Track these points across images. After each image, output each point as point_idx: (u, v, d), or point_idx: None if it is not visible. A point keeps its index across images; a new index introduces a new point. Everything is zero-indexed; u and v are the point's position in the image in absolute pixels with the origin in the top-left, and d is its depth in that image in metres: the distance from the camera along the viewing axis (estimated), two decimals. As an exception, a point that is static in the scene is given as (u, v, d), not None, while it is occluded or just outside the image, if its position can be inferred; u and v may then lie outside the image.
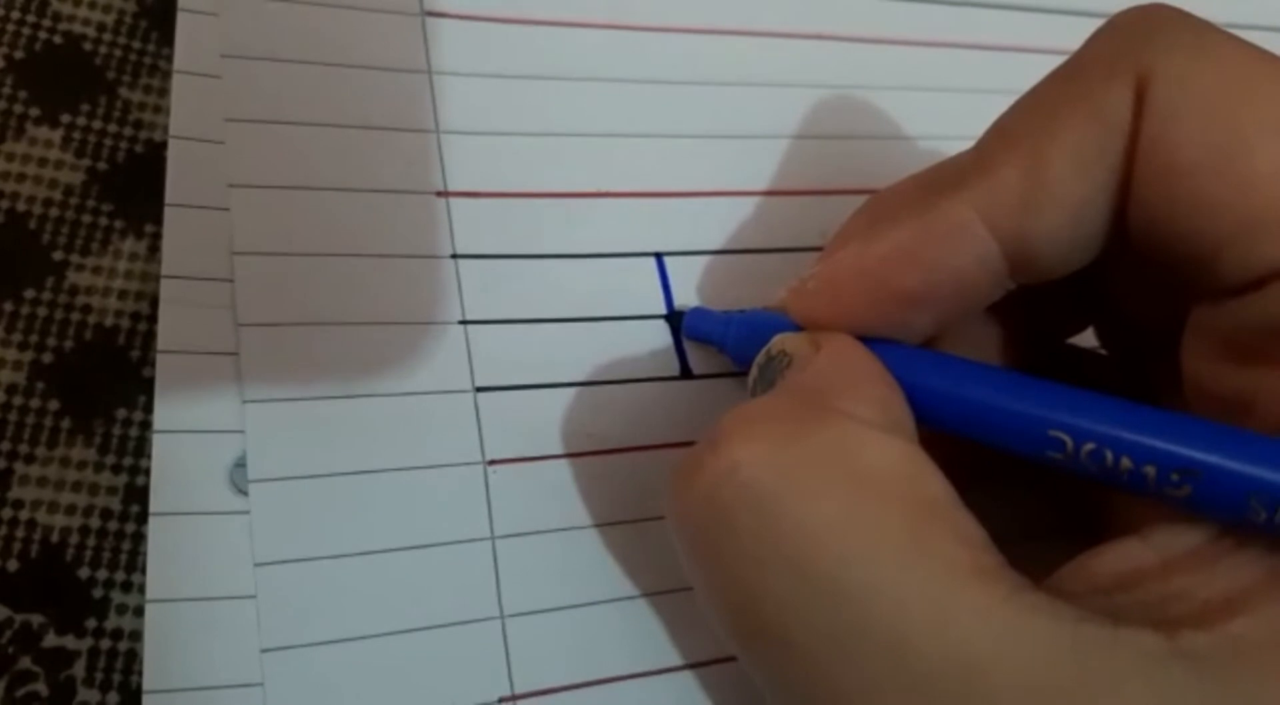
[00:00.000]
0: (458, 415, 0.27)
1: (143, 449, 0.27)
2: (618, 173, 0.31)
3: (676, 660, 0.27)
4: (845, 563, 0.19)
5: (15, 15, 0.30)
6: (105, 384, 0.27)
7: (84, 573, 0.26)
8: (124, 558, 0.26)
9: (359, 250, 0.28)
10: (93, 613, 0.26)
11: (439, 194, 0.29)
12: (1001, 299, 0.24)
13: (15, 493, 0.26)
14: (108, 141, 0.29)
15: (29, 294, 0.28)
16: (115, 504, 0.27)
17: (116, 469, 0.27)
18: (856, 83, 0.34)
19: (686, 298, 0.30)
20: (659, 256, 0.30)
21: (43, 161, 0.29)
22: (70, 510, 0.26)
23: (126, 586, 0.26)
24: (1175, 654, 0.18)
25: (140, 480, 0.27)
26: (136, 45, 0.31)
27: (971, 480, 0.22)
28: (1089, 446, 0.20)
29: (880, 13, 0.36)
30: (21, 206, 0.28)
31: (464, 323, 0.28)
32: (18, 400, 0.27)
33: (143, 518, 0.26)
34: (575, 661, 0.26)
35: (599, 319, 0.29)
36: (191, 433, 0.26)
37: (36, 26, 0.30)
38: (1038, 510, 0.26)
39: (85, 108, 0.30)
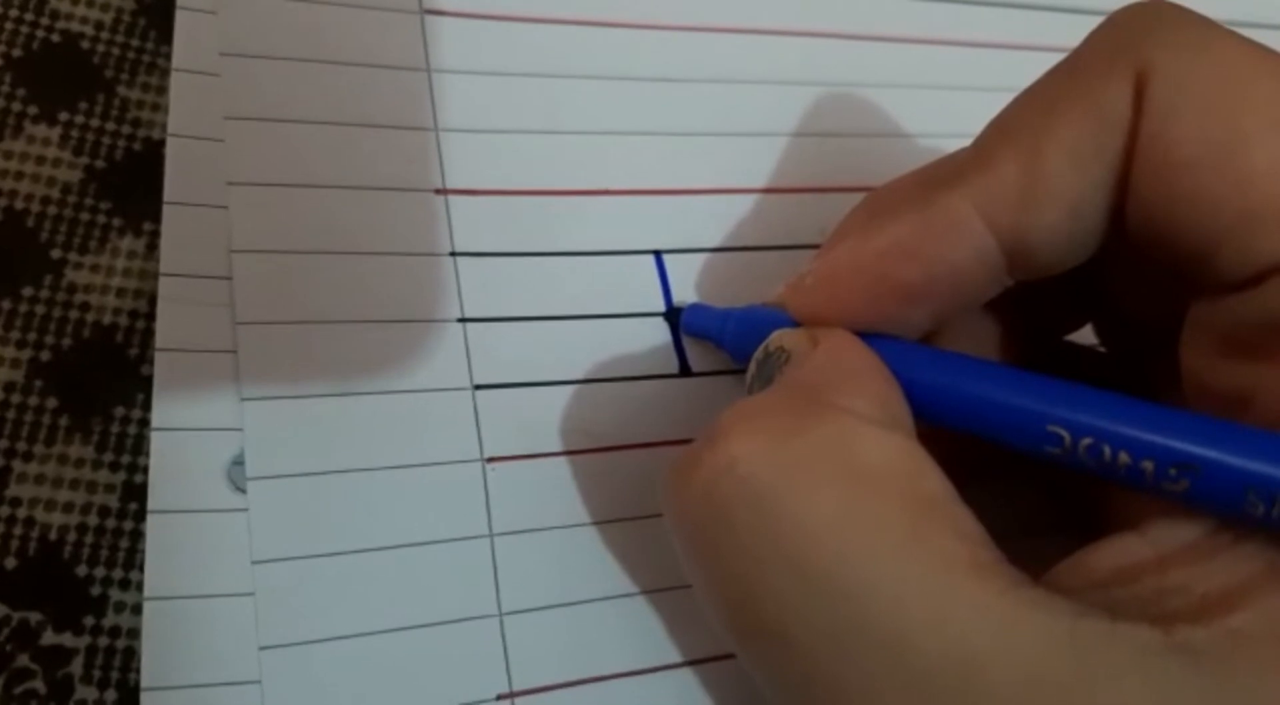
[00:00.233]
0: (456, 413, 0.27)
1: (141, 447, 0.27)
2: (616, 170, 0.31)
3: (675, 658, 0.27)
4: (843, 559, 0.19)
5: (14, 13, 0.30)
6: (103, 382, 0.27)
7: (82, 570, 0.26)
8: (122, 555, 0.26)
9: (357, 248, 0.28)
10: (91, 610, 0.26)
11: (438, 192, 0.29)
12: (1000, 295, 0.24)
13: (13, 490, 0.26)
14: (106, 139, 0.29)
15: (27, 292, 0.28)
16: (113, 502, 0.27)
17: (115, 467, 0.27)
18: (855, 80, 0.34)
19: (685, 295, 0.30)
20: (658, 254, 0.30)
21: (41, 160, 0.29)
22: (68, 508, 0.26)
23: (124, 584, 0.26)
24: (1173, 648, 0.18)
25: (138, 478, 0.27)
26: (135, 43, 0.31)
27: (970, 476, 0.22)
28: (1087, 441, 0.20)
29: (879, 10, 0.36)
30: (20, 204, 0.28)
31: (462, 320, 0.28)
32: (16, 398, 0.27)
33: (141, 515, 0.26)
34: (573, 659, 0.26)
35: (598, 317, 0.29)
36: (190, 430, 0.26)
37: (35, 25, 0.30)
38: (1036, 506, 0.26)
39: (83, 106, 0.30)
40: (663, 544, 0.26)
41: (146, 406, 0.27)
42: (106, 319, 0.28)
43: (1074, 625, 0.18)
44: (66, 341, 0.27)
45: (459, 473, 0.27)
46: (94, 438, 0.27)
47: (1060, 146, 0.21)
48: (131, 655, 0.26)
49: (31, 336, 0.27)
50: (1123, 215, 0.21)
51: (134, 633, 0.26)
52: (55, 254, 0.28)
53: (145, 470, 0.26)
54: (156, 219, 0.27)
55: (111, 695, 0.25)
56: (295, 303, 0.27)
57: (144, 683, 0.24)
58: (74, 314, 0.28)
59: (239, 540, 0.25)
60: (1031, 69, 0.23)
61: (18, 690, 0.25)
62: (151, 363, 0.26)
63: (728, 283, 0.30)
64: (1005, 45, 0.37)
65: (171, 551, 0.25)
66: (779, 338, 0.24)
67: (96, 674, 0.25)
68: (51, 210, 0.28)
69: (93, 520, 0.26)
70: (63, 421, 0.27)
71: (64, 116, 0.29)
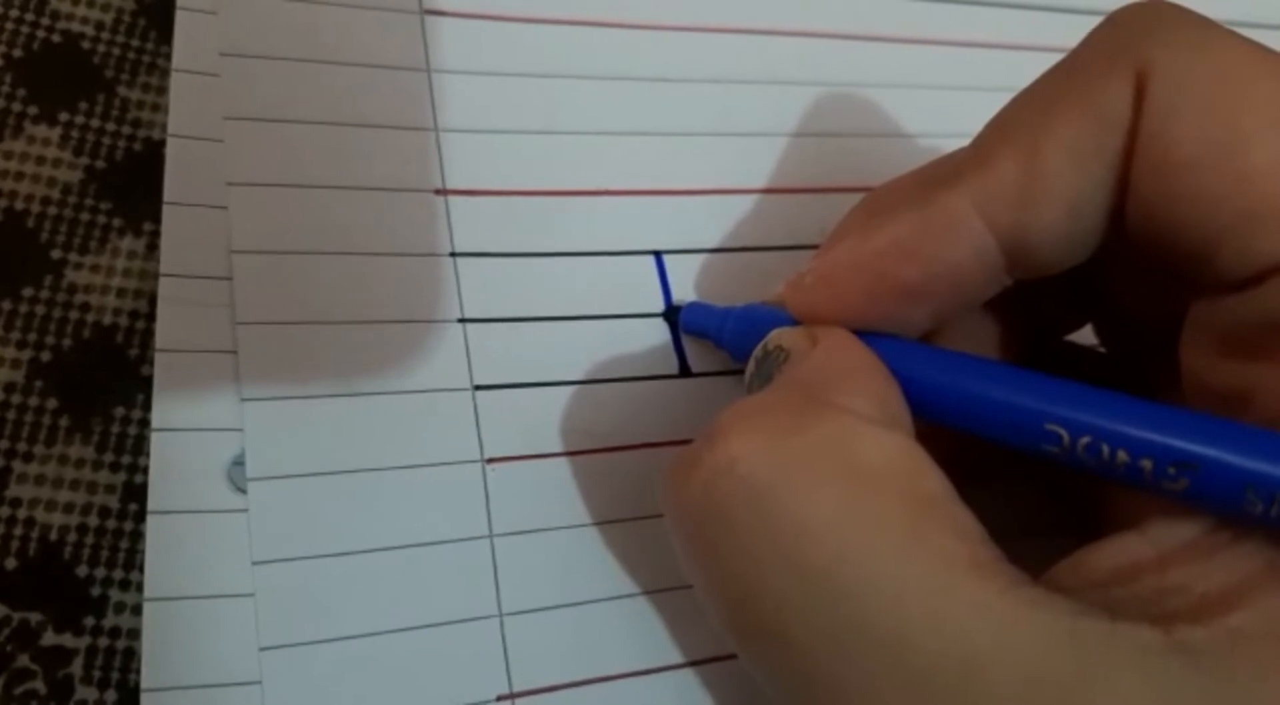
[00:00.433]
0: (456, 413, 0.27)
1: (141, 447, 0.27)
2: (616, 171, 0.31)
3: (675, 658, 0.27)
4: (842, 557, 0.19)
5: (14, 14, 0.30)
6: (104, 382, 0.27)
7: (82, 571, 0.26)
8: (122, 556, 0.26)
9: (357, 249, 0.28)
10: (91, 611, 0.26)
11: (438, 192, 0.29)
12: (999, 295, 0.24)
13: (13, 491, 0.26)
14: (106, 140, 0.29)
15: (27, 292, 0.28)
16: (113, 502, 0.27)
17: (115, 467, 0.27)
18: (855, 80, 0.34)
19: (685, 296, 0.30)
20: (658, 254, 0.30)
21: (41, 160, 0.29)
22: (69, 508, 0.26)
23: (125, 584, 0.26)
24: (1172, 648, 0.18)
25: (139, 478, 0.27)
26: (135, 43, 0.31)
27: (969, 475, 0.22)
28: (1085, 440, 0.20)
29: (879, 10, 0.36)
30: (20, 205, 0.28)
31: (463, 321, 0.28)
32: (16, 398, 0.27)
33: (141, 516, 0.26)
34: (573, 659, 0.26)
35: (598, 317, 0.29)
36: (190, 431, 0.26)
37: (35, 25, 0.30)
38: (1036, 505, 0.26)
39: (84, 106, 0.30)
40: (663, 544, 0.26)
41: (147, 407, 0.27)
42: (107, 319, 0.28)
43: (1074, 624, 0.18)
44: (66, 342, 0.27)
45: (459, 473, 0.27)
46: (94, 438, 0.27)
47: (1059, 145, 0.21)
48: (132, 656, 0.26)
49: (32, 337, 0.27)
50: (1122, 215, 0.21)
51: (134, 633, 0.26)
52: (55, 254, 0.28)
53: (145, 471, 0.26)
54: (156, 219, 0.27)
55: (112, 696, 0.25)
56: (295, 303, 0.27)
57: (144, 683, 0.24)
58: (74, 314, 0.28)
59: (239, 541, 0.25)
60: (1030, 69, 0.23)
61: (18, 691, 0.25)
62: (152, 363, 0.26)
63: (728, 283, 0.30)
64: (1004, 45, 0.37)
65: (172, 552, 0.25)
66: (778, 336, 0.24)
67: (97, 674, 0.25)
68: (52, 210, 0.28)
69: (93, 521, 0.26)
70: (63, 422, 0.27)
71: (64, 117, 0.29)
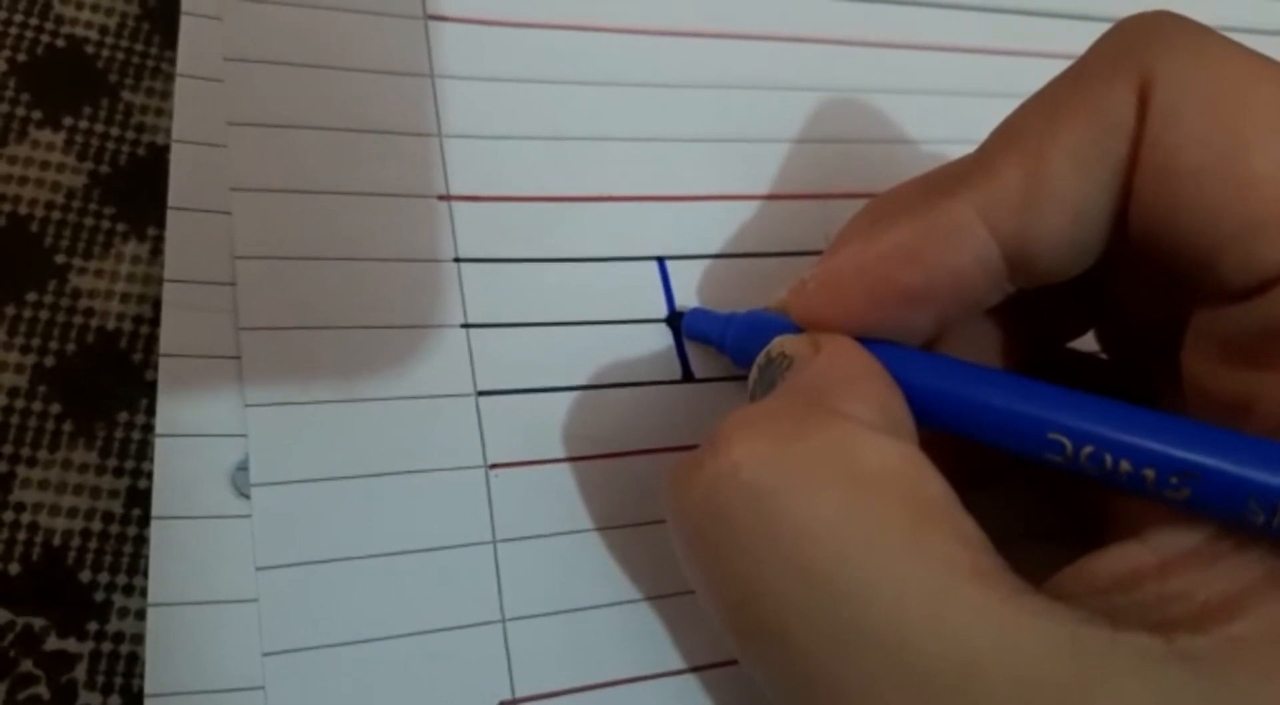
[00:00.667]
0: (459, 419, 0.27)
1: (144, 452, 0.27)
2: (620, 176, 0.31)
3: (677, 664, 0.27)
4: (843, 560, 0.19)
5: (18, 18, 0.30)
6: (107, 387, 0.28)
7: (85, 576, 0.26)
8: (125, 561, 0.26)
9: (361, 254, 0.28)
10: (94, 616, 0.26)
11: (441, 198, 0.29)
12: (1002, 302, 0.24)
13: (17, 496, 0.26)
14: (110, 144, 0.29)
15: (31, 297, 0.28)
16: (117, 507, 0.27)
17: (118, 472, 0.27)
18: (858, 86, 0.34)
19: (688, 301, 0.30)
20: (661, 260, 0.30)
21: (45, 164, 0.29)
22: (72, 513, 0.26)
23: (128, 590, 0.26)
24: (1174, 656, 0.18)
25: (142, 483, 0.27)
26: (139, 48, 0.31)
27: (972, 481, 0.22)
28: (1088, 449, 0.20)
29: (883, 17, 0.36)
30: (23, 209, 0.28)
31: (466, 326, 0.28)
32: (19, 403, 0.27)
33: (144, 521, 0.26)
34: (576, 665, 0.26)
35: (601, 323, 0.29)
36: (193, 436, 0.26)
37: (39, 29, 0.30)
38: (1038, 511, 0.26)
39: (87, 111, 0.30)
40: (666, 550, 0.26)
41: (150, 412, 0.27)
42: (110, 324, 0.28)
43: (1075, 632, 0.18)
44: (70, 347, 0.28)
45: (462, 479, 0.27)
46: (98, 443, 0.27)
47: (1063, 151, 0.21)
48: (135, 661, 0.26)
49: (35, 342, 0.27)
50: (1125, 222, 0.21)
51: (137, 638, 0.26)
52: (59, 259, 0.28)
53: (149, 476, 0.26)
54: (160, 224, 0.28)
55: (115, 701, 0.25)
56: (299, 308, 0.27)
57: (147, 689, 0.24)
58: (78, 319, 0.28)
59: (243, 546, 0.25)
60: (1033, 74, 0.23)
61: (21, 696, 0.25)
62: (155, 368, 0.26)
63: (730, 288, 0.30)
64: (1009, 52, 0.37)
65: (175, 557, 0.25)
66: (781, 343, 0.24)
67: (100, 680, 0.25)
68: (56, 215, 0.28)
69: (96, 526, 0.26)
70: (66, 427, 0.27)
71: (68, 121, 0.29)
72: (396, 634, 0.25)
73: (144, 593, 0.25)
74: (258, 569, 0.25)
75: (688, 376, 0.29)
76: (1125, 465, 0.20)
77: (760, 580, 0.20)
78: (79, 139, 0.29)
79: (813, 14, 0.35)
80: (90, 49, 0.30)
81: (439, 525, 0.26)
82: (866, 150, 0.34)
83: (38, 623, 0.25)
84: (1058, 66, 0.23)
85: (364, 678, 0.25)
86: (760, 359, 0.25)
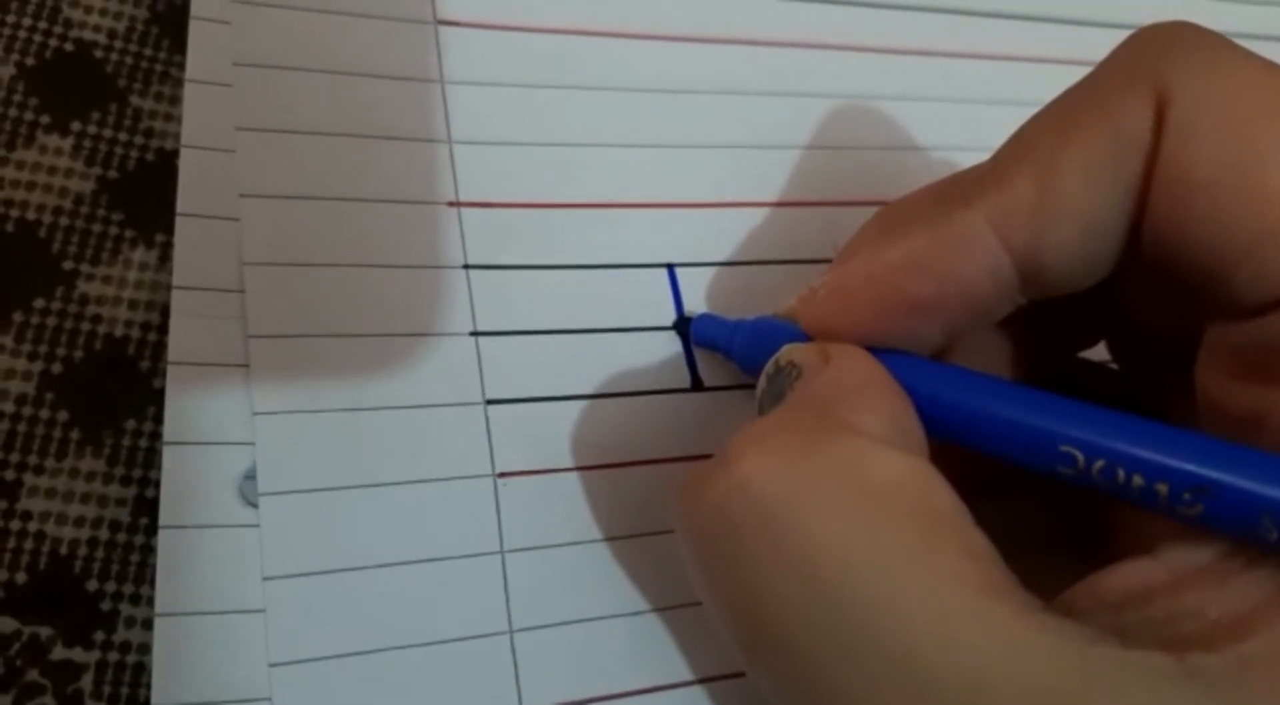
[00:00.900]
0: (468, 427, 0.27)
1: (152, 460, 0.27)
2: (630, 183, 0.31)
3: (685, 675, 0.27)
4: (851, 573, 0.19)
5: (26, 22, 0.30)
6: (115, 395, 0.27)
7: (92, 585, 0.26)
8: (133, 570, 0.26)
9: (370, 261, 0.28)
10: (101, 625, 0.26)
11: (451, 204, 0.29)
12: (1013, 312, 0.24)
13: (24, 504, 0.26)
14: (118, 150, 0.29)
15: (39, 303, 0.28)
16: (124, 516, 0.27)
17: (126, 481, 0.27)
18: (869, 93, 0.34)
19: (697, 309, 0.30)
20: (670, 268, 0.30)
21: (53, 170, 0.29)
22: (79, 522, 0.26)
23: (135, 599, 0.26)
24: (1184, 674, 0.18)
25: (150, 492, 0.27)
26: (148, 53, 0.31)
27: (982, 493, 0.22)
28: (1100, 463, 0.20)
29: (893, 23, 0.36)
30: (32, 215, 0.28)
31: (475, 334, 0.28)
32: (27, 411, 0.27)
33: (152, 530, 0.26)
34: (583, 676, 0.26)
35: (610, 331, 0.29)
36: (201, 444, 0.26)
37: (48, 34, 0.30)
38: (1049, 524, 0.26)
39: (96, 116, 0.30)
40: (675, 561, 0.26)
41: (158, 420, 0.27)
42: (118, 331, 0.28)
43: (1085, 650, 0.18)
44: (78, 353, 0.27)
45: (471, 488, 0.27)
46: (105, 451, 0.27)
47: (1076, 165, 0.21)
48: (142, 671, 0.26)
49: (43, 348, 0.27)
50: (1138, 235, 0.21)
51: (144, 648, 0.26)
52: (67, 265, 0.28)
53: (156, 484, 0.26)
54: (169, 230, 0.27)
55: (122, 710, 0.25)
56: (307, 316, 0.27)
57: (154, 699, 0.24)
58: (85, 326, 0.28)
59: (250, 555, 0.25)
60: (1046, 82, 0.23)
61: (28, 705, 0.25)
62: (163, 375, 0.26)
63: (740, 296, 0.30)
64: (1020, 58, 0.36)
65: (183, 566, 0.25)
66: (789, 352, 0.24)
67: (107, 689, 0.25)
68: (63, 221, 0.28)
69: (104, 534, 0.26)
70: (74, 435, 0.27)
71: (76, 126, 0.29)
72: (404, 645, 0.25)
73: (151, 602, 0.25)
74: (265, 579, 0.25)
75: (697, 384, 0.29)
76: (1138, 480, 0.20)
77: (767, 590, 0.20)
78: (87, 144, 0.29)
79: (823, 20, 0.35)
80: (99, 53, 0.30)
81: (447, 535, 0.26)
82: (877, 157, 0.34)
83: (44, 632, 0.25)
84: (1071, 72, 0.23)
85: (371, 689, 0.25)
86: (769, 367, 0.25)
